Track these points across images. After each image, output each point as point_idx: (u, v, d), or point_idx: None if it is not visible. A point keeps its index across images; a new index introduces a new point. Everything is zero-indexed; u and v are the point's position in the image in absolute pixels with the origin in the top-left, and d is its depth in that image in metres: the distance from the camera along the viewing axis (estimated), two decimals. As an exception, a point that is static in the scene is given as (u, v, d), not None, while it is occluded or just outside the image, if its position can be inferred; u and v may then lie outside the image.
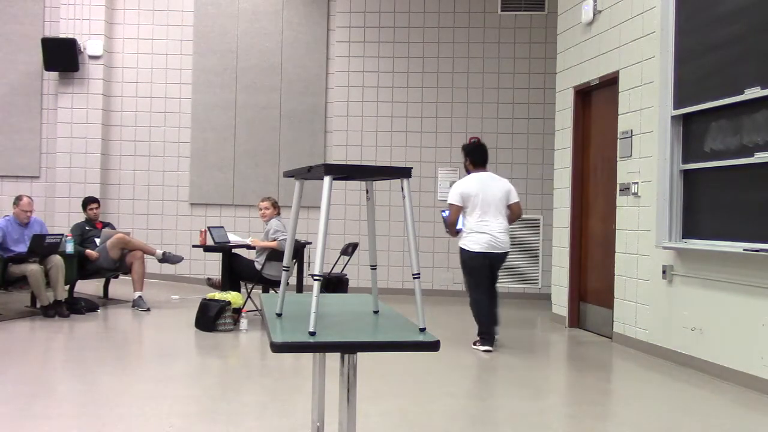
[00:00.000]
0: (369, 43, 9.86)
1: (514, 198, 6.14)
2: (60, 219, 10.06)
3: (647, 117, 6.08)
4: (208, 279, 8.03)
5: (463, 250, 6.01)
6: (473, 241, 5.93)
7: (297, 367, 5.20)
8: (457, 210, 6.01)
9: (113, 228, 8.49)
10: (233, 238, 7.92)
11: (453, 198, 6.04)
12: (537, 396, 4.63)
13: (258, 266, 7.27)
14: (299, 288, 7.82)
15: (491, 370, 5.47)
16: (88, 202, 8.45)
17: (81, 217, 8.61)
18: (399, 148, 9.82)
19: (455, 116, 9.75)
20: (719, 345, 5.18)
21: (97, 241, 8.06)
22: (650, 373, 5.36)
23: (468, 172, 6.23)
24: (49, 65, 10.05)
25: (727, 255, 5.06)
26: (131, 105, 10.46)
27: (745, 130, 4.90)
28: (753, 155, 4.79)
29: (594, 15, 6.98)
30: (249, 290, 7.36)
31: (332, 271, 7.99)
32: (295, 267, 7.68)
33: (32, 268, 6.98)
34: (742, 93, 4.89)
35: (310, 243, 8.20)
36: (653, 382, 5.06)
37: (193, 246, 8.25)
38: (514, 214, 6.13)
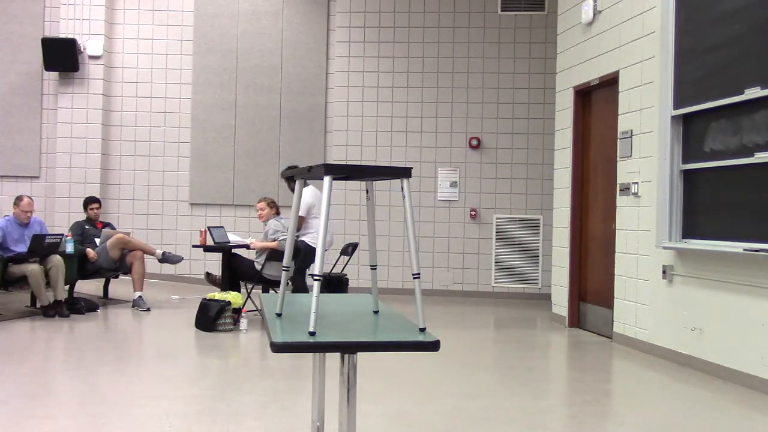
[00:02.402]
0: (369, 43, 9.86)
1: None
2: (60, 219, 10.06)
3: (647, 117, 6.08)
4: (207, 274, 7.99)
5: (310, 246, 7.27)
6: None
7: (297, 367, 5.20)
8: (302, 220, 7.33)
9: (113, 228, 8.50)
10: (233, 238, 7.92)
11: (302, 211, 7.28)
12: (537, 396, 4.63)
13: (258, 266, 7.27)
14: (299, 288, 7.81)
15: (491, 370, 5.47)
16: (89, 201, 8.45)
17: (81, 217, 8.62)
18: (399, 148, 9.82)
19: (455, 116, 9.75)
20: (719, 345, 5.18)
21: (98, 240, 8.06)
22: (650, 373, 5.36)
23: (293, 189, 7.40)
24: (49, 65, 10.05)
25: (727, 255, 5.06)
26: (131, 105, 10.46)
27: (745, 130, 4.90)
28: (753, 155, 4.79)
29: (594, 15, 6.98)
30: (249, 290, 7.37)
31: (332, 271, 7.98)
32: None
33: (32, 268, 6.98)
34: (742, 93, 4.89)
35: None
36: (653, 382, 5.06)
37: (193, 246, 8.25)
38: None
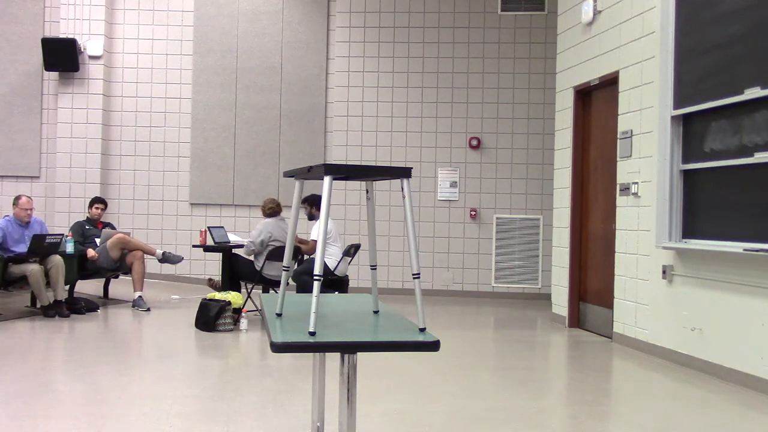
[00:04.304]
0: (369, 43, 9.86)
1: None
2: (60, 219, 10.06)
3: (647, 117, 6.08)
4: (210, 279, 8.03)
5: (328, 268, 7.37)
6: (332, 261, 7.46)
7: (297, 367, 5.20)
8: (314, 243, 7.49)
9: (113, 228, 8.49)
10: (233, 238, 7.92)
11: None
12: (537, 396, 4.63)
13: (258, 266, 7.27)
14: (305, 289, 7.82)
15: (491, 370, 5.47)
16: (94, 201, 8.43)
17: (81, 217, 8.61)
18: (399, 148, 9.82)
19: (455, 116, 9.75)
20: (719, 345, 5.18)
21: (98, 240, 8.06)
22: (650, 373, 5.36)
23: (313, 216, 7.69)
24: (49, 65, 10.05)
25: (727, 255, 5.06)
26: (131, 105, 10.46)
27: (745, 130, 4.90)
28: (753, 155, 4.79)
29: (594, 15, 6.98)
30: (249, 290, 7.36)
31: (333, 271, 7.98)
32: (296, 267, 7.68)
33: (32, 268, 6.98)
34: (742, 93, 4.89)
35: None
36: (653, 382, 5.06)
37: (193, 246, 8.25)
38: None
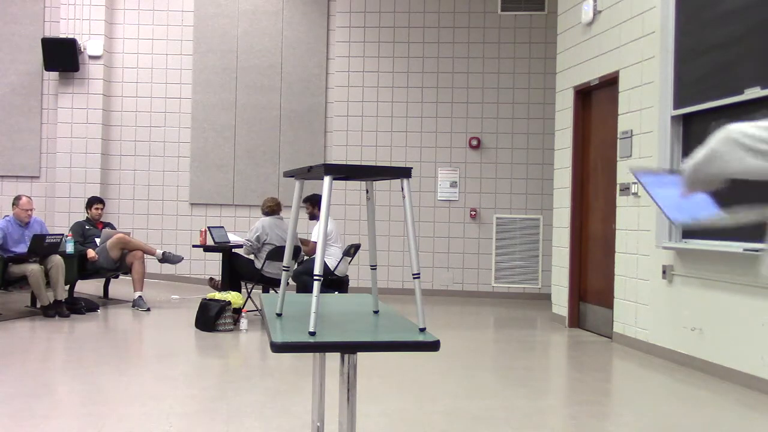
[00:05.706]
0: (369, 43, 9.86)
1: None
2: (60, 219, 10.05)
3: (647, 117, 6.08)
4: (210, 279, 8.04)
5: (328, 268, 7.42)
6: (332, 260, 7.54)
7: (297, 367, 5.20)
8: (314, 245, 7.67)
9: (113, 228, 8.49)
10: (233, 238, 7.92)
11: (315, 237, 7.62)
12: (537, 396, 4.63)
13: (258, 265, 7.27)
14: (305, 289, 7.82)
15: (491, 370, 5.47)
16: (93, 201, 8.43)
17: (81, 217, 8.61)
18: (399, 148, 9.82)
19: (455, 116, 9.75)
20: (719, 345, 5.18)
21: (98, 240, 8.05)
22: (650, 373, 5.36)
23: (314, 216, 7.83)
24: (49, 65, 10.05)
25: (727, 255, 5.06)
26: (131, 105, 10.46)
27: (745, 130, 4.89)
28: (753, 155, 4.78)
29: (594, 15, 6.97)
30: (249, 290, 7.36)
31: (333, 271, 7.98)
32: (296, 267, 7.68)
33: (32, 268, 6.98)
34: (742, 93, 4.89)
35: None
36: (653, 382, 5.06)
37: (193, 246, 8.25)
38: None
